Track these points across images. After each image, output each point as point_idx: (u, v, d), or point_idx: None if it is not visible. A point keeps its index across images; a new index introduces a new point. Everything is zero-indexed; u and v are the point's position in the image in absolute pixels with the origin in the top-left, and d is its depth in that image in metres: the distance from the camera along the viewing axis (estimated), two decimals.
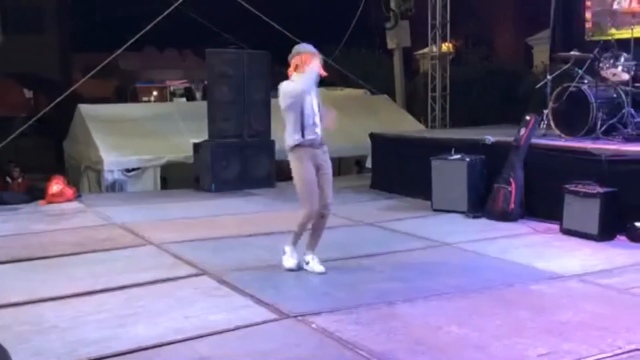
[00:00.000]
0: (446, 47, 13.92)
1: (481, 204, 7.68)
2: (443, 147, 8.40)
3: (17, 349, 3.47)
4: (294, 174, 5.39)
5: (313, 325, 4.10)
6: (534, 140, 7.64)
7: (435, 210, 8.03)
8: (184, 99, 24.08)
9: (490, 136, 8.19)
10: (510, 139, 7.77)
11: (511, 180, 7.41)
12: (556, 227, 6.74)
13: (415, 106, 15.53)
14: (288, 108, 5.31)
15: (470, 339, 3.84)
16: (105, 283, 5.06)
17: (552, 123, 7.98)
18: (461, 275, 5.29)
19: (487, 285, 4.95)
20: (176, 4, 11.85)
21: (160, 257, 6.04)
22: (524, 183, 7.43)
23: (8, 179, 10.96)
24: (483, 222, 7.41)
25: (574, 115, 7.69)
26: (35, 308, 4.54)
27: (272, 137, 10.59)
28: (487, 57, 18.01)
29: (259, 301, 4.59)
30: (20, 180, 10.75)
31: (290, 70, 5.42)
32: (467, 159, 7.91)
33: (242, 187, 10.12)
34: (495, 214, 7.43)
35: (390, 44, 15.43)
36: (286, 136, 5.38)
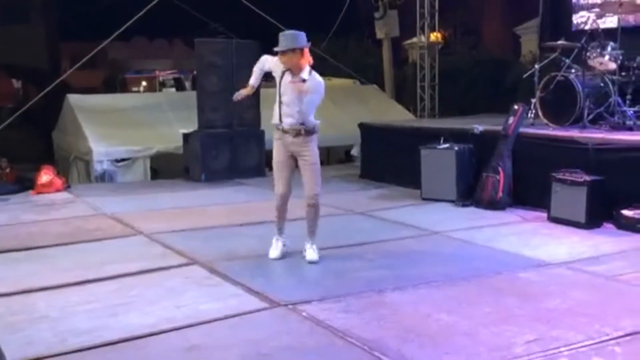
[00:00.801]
0: (435, 36, 13.92)
1: (470, 192, 7.73)
2: (432, 137, 8.44)
3: (8, 339, 3.48)
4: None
5: (303, 314, 4.12)
6: (522, 129, 7.68)
7: (424, 199, 8.07)
8: (173, 89, 24.01)
9: (479, 125, 8.23)
10: (499, 128, 7.81)
11: (499, 169, 7.46)
12: (544, 215, 6.79)
13: (404, 96, 15.55)
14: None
15: (460, 326, 3.88)
16: (96, 273, 5.07)
17: (539, 112, 8.03)
18: (450, 263, 5.33)
19: (475, 273, 4.99)
20: None
21: (150, 247, 6.04)
22: (512, 172, 7.48)
23: None
24: (472, 210, 7.46)
25: (561, 104, 7.74)
26: (26, 298, 4.53)
27: (262, 127, 10.59)
28: (476, 46, 18.05)
29: (249, 290, 4.61)
30: (8, 170, 10.69)
31: (307, 60, 5.21)
32: (456, 148, 7.95)
33: (232, 176, 10.12)
34: (484, 202, 7.48)
35: (379, 34, 15.41)
36: (312, 119, 5.30)
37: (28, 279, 4.97)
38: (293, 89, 5.18)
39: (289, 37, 5.15)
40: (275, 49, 5.18)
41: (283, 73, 5.25)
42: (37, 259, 5.65)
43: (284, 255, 5.52)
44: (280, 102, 5.28)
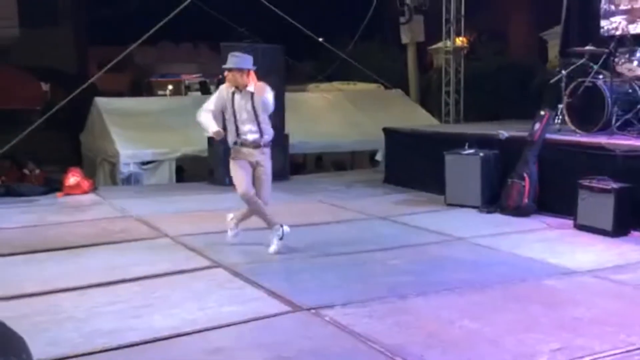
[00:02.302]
0: (460, 41, 13.85)
1: (495, 199, 7.67)
2: (457, 142, 8.39)
3: (34, 339, 3.50)
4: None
5: (326, 318, 4.12)
6: (549, 136, 7.61)
7: (448, 204, 8.03)
8: (198, 93, 24.14)
9: (504, 131, 8.17)
10: (525, 134, 7.75)
11: (525, 175, 7.39)
12: (570, 222, 6.71)
13: (428, 101, 15.49)
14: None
15: (483, 334, 3.85)
16: (121, 274, 5.12)
17: (566, 118, 7.93)
18: (474, 269, 5.29)
19: (500, 279, 4.95)
20: None
21: (175, 249, 6.09)
22: (538, 178, 7.41)
23: (25, 171, 11.06)
24: (496, 217, 7.40)
25: (589, 111, 7.64)
26: (52, 298, 4.60)
27: (286, 131, 10.62)
28: (501, 51, 17.90)
29: (272, 293, 4.62)
30: (37, 172, 10.85)
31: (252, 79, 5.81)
32: (481, 154, 7.90)
33: None
34: (509, 209, 7.42)
35: (405, 39, 15.39)
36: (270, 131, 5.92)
37: (55, 279, 5.05)
38: (246, 105, 5.74)
39: (239, 58, 5.78)
40: (225, 67, 5.76)
41: (233, 95, 5.78)
42: (63, 259, 5.73)
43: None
44: (235, 123, 5.80)
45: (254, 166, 5.85)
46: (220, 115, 5.93)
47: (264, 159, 5.87)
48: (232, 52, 5.90)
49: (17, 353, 3.00)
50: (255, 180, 5.84)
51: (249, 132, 5.80)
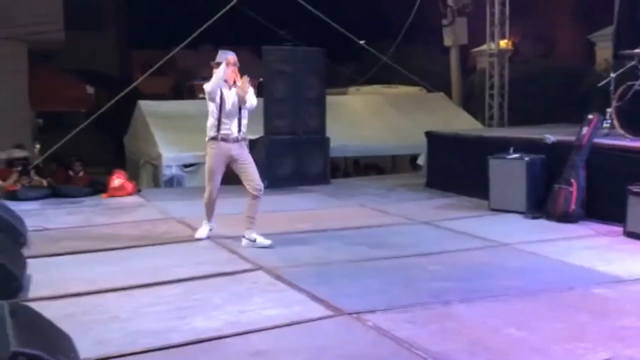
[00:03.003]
0: (505, 43, 13.67)
1: (541, 204, 7.53)
2: (501, 146, 8.27)
3: (80, 338, 3.56)
4: None
5: (368, 323, 4.08)
6: (597, 140, 7.44)
7: (492, 210, 7.91)
8: None
9: (551, 135, 8.01)
10: (572, 138, 7.60)
11: (572, 180, 7.24)
12: (619, 229, 6.55)
13: (471, 104, 15.33)
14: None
15: (530, 342, 3.76)
16: (164, 276, 5.17)
17: (615, 122, 7.73)
18: (520, 276, 5.18)
19: (546, 287, 4.84)
20: (233, 2, 11.99)
21: (216, 251, 6.13)
22: (586, 184, 7.24)
23: (71, 173, 11.29)
24: (542, 223, 7.26)
25: (638, 115, 7.44)
26: (98, 298, 4.66)
27: (327, 134, 10.62)
28: (547, 53, 17.62)
29: (314, 297, 4.60)
30: (82, 174, 11.06)
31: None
32: (527, 159, 7.76)
33: (296, 183, 10.17)
34: (556, 215, 7.26)
35: (447, 41, 15.27)
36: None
37: (100, 279, 5.12)
38: (233, 99, 6.15)
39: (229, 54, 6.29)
40: (221, 59, 6.21)
41: (221, 90, 6.19)
42: (108, 260, 5.81)
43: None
44: (220, 116, 6.17)
45: (231, 160, 6.22)
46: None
47: (242, 152, 6.22)
48: (223, 50, 6.43)
49: (65, 351, 3.05)
50: (239, 174, 6.27)
51: (227, 124, 6.16)
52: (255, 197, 6.23)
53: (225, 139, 6.19)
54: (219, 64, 6.19)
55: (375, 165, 14.12)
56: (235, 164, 6.26)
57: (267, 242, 6.15)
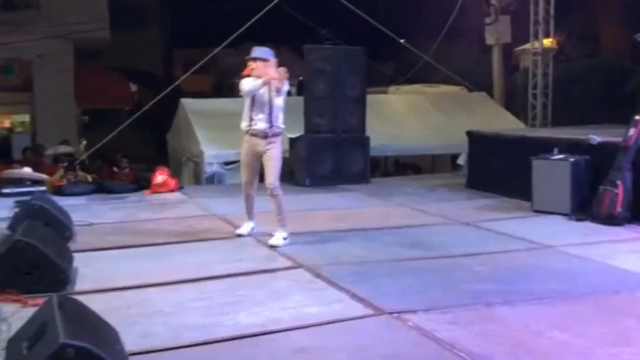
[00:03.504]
0: (549, 42, 13.44)
1: (585, 206, 7.39)
2: (544, 147, 8.14)
3: (126, 331, 3.63)
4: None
5: (409, 323, 4.07)
6: None
7: (535, 211, 7.79)
8: None
9: (596, 136, 7.86)
10: (618, 139, 7.43)
11: (618, 182, 7.09)
12: None
13: (514, 104, 15.12)
14: None
15: (574, 346, 3.71)
16: (207, 271, 5.23)
17: None
18: (563, 279, 5.10)
19: (591, 290, 4.76)
20: (274, 2, 12.06)
21: (257, 248, 6.17)
22: (632, 186, 7.09)
23: (115, 169, 11.52)
24: (587, 225, 7.13)
25: None
26: (142, 293, 4.74)
27: (367, 133, 10.60)
28: (592, 53, 17.25)
29: (354, 296, 4.61)
30: (127, 170, 11.27)
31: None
32: (571, 159, 7.63)
33: (336, 182, 10.17)
34: (601, 217, 7.13)
35: (490, 40, 15.09)
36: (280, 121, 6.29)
37: (144, 274, 5.21)
38: (264, 94, 6.10)
39: (262, 50, 6.32)
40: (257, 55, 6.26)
41: None
42: (152, 255, 5.91)
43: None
44: (252, 109, 6.18)
45: (259, 156, 6.18)
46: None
47: (273, 147, 6.13)
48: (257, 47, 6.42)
49: (111, 344, 3.12)
50: (262, 166, 6.20)
51: (259, 120, 6.11)
52: (272, 195, 6.19)
53: (254, 134, 6.19)
54: (255, 59, 6.19)
55: (414, 165, 14.04)
56: (262, 160, 6.23)
57: (274, 242, 6.12)
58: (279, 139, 6.26)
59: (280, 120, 6.23)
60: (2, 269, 4.62)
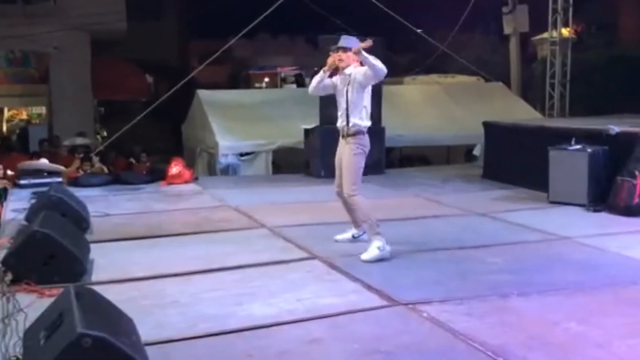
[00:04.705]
0: (567, 32, 13.28)
1: (603, 197, 7.32)
2: (562, 137, 8.06)
3: (141, 321, 3.65)
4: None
5: (424, 314, 4.06)
6: None
7: (551, 202, 7.73)
8: (293, 86, 24.43)
9: (614, 126, 7.77)
10: (636, 129, 7.36)
11: (637, 173, 7.02)
12: None
13: (531, 94, 14.98)
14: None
15: (591, 337, 3.68)
16: (221, 262, 5.25)
17: None
18: (580, 270, 5.06)
19: (608, 282, 4.73)
20: None
21: (272, 239, 6.18)
22: None
23: (132, 160, 11.58)
24: (604, 216, 7.07)
25: None
26: (158, 283, 4.77)
27: (383, 124, 10.55)
28: (611, 42, 17.03)
29: (369, 287, 4.60)
30: (144, 161, 11.33)
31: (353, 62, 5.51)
32: (589, 150, 7.55)
33: None
34: (618, 208, 7.06)
35: (507, 29, 14.95)
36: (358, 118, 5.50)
37: (159, 265, 5.24)
38: (343, 89, 5.47)
39: (345, 38, 5.61)
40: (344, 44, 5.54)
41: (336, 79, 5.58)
42: (168, 246, 5.94)
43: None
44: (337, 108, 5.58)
45: (341, 156, 5.57)
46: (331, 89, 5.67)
47: (347, 149, 5.47)
48: (344, 35, 5.76)
49: (127, 334, 3.14)
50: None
51: (339, 118, 5.55)
52: (349, 202, 5.59)
53: (339, 134, 5.61)
54: (339, 49, 5.50)
55: (422, 157, 13.81)
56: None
57: (373, 255, 5.31)
58: (356, 139, 5.46)
59: (358, 117, 5.44)
60: (19, 259, 4.67)
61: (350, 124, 5.43)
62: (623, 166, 7.19)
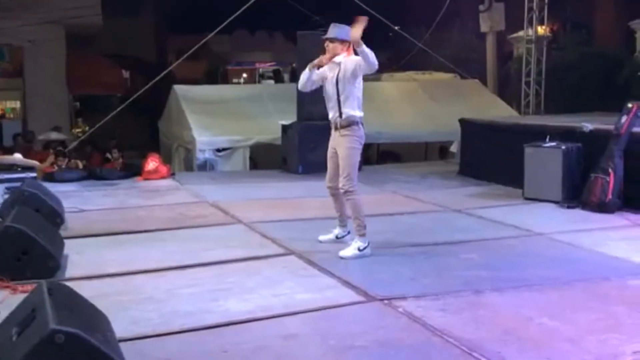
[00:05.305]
0: (543, 30, 13.42)
1: (576, 194, 7.41)
2: (537, 134, 8.16)
3: (116, 317, 3.62)
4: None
5: (399, 310, 4.08)
6: (636, 129, 7.28)
7: (526, 198, 7.81)
8: (271, 81, 24.41)
9: (588, 123, 7.87)
10: (610, 127, 7.45)
11: (609, 170, 7.11)
12: None
13: (507, 91, 15.12)
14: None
15: (563, 332, 3.72)
16: (198, 258, 5.23)
17: None
18: (554, 266, 5.12)
19: (581, 277, 4.78)
20: None
21: (249, 235, 6.17)
22: (624, 173, 7.11)
23: (109, 156, 11.47)
24: (578, 212, 7.15)
25: None
26: (133, 279, 4.74)
27: None
28: (586, 41, 17.23)
29: (345, 283, 4.61)
30: (120, 160, 11.23)
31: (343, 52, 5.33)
32: (563, 147, 7.64)
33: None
34: (592, 204, 7.15)
35: (484, 27, 15.08)
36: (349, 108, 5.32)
37: (135, 261, 5.20)
38: (332, 79, 5.26)
39: (337, 28, 5.33)
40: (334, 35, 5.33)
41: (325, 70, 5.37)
42: (143, 242, 5.91)
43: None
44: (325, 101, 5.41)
45: (335, 149, 5.39)
46: (321, 81, 5.45)
47: (341, 142, 5.29)
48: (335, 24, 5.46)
49: (101, 330, 3.11)
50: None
51: (330, 110, 5.35)
52: (345, 198, 5.42)
53: (331, 127, 5.43)
54: (331, 40, 5.30)
55: (393, 153, 13.82)
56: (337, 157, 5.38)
57: (351, 253, 5.28)
58: (351, 130, 5.27)
59: (351, 108, 5.25)
60: None
61: (343, 115, 5.25)
62: (596, 163, 7.28)
